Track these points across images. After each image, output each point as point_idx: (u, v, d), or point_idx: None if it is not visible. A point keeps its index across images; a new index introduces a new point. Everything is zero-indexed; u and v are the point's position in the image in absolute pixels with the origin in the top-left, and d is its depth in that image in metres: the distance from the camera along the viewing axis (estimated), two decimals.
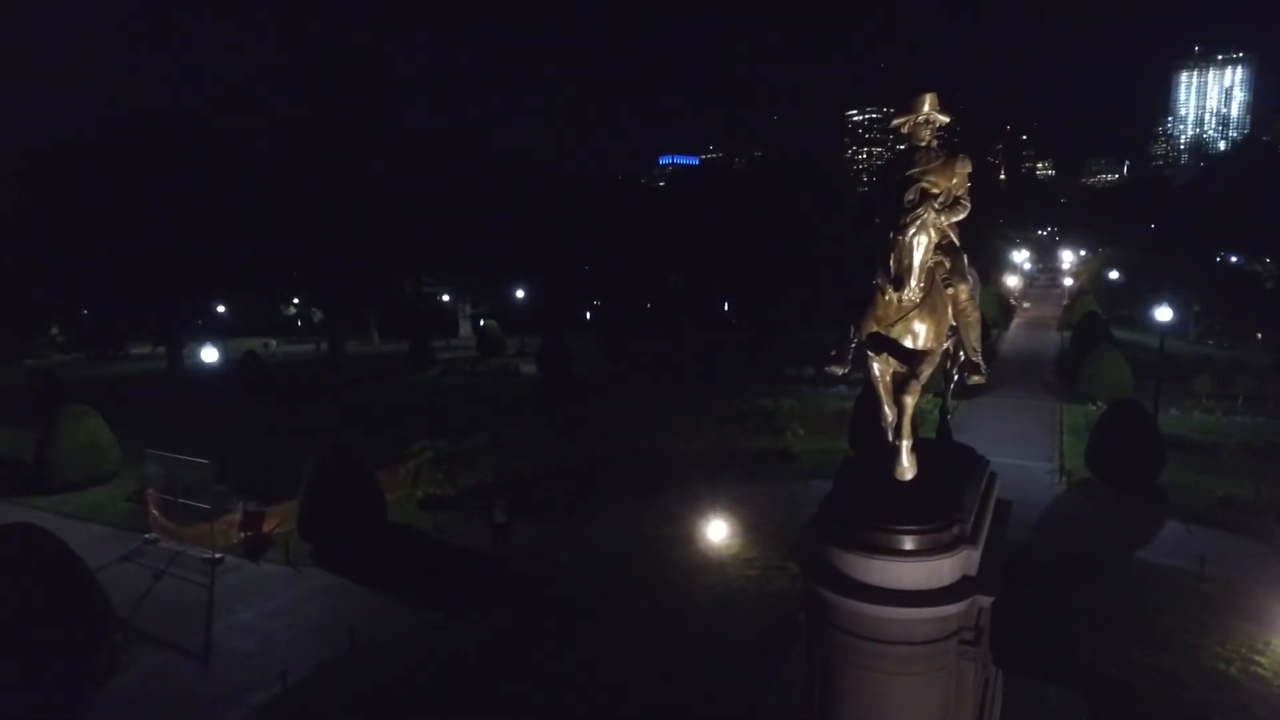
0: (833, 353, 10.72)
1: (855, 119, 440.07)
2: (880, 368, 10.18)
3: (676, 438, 31.32)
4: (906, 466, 9.64)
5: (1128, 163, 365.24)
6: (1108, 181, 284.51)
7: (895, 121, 10.88)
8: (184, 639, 17.92)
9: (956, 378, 12.94)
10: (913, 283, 9.16)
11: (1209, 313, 63.91)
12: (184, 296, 57.86)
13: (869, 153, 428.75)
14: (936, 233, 9.23)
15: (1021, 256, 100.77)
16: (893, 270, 9.21)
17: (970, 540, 9.87)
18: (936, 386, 45.22)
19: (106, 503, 26.95)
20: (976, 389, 46.10)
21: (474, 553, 22.02)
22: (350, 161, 65.90)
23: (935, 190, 10.72)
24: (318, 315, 72.36)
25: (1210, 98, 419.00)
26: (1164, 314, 31.51)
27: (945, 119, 10.88)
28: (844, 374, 10.89)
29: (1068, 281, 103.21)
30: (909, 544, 9.51)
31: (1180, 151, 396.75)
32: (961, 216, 10.80)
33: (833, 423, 32.10)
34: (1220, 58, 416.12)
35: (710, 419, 34.22)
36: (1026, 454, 30.46)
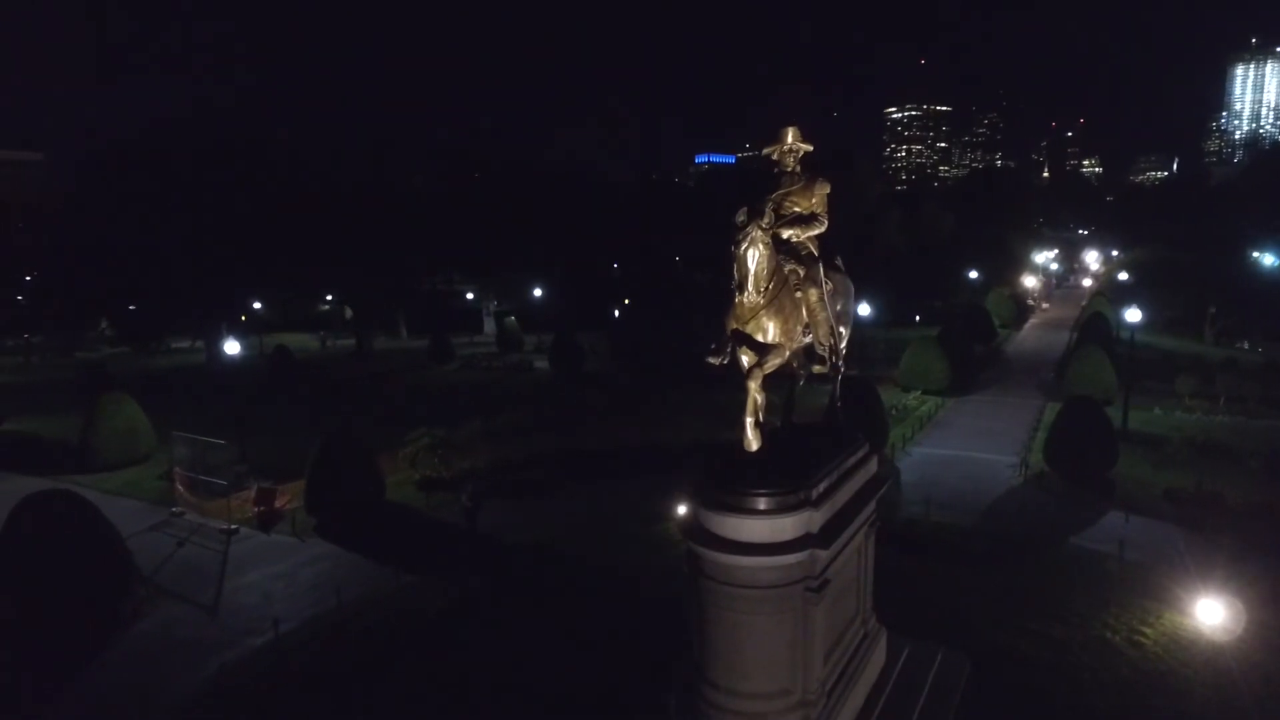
0: (712, 345, 12.60)
1: (895, 116, 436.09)
2: (747, 359, 12.09)
3: (661, 429, 33.34)
4: (751, 439, 11.57)
5: (1177, 160, 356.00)
6: (1156, 179, 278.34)
7: (765, 150, 12.83)
8: (197, 595, 20.54)
9: (838, 368, 14.54)
10: (750, 287, 11.08)
11: (1225, 314, 63.52)
12: (223, 294, 61.60)
13: (908, 150, 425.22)
14: (766, 248, 11.02)
15: (1047, 256, 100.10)
16: (735, 278, 11.16)
17: (813, 504, 11.77)
18: (935, 385, 46.58)
19: (141, 480, 29.93)
20: (969, 388, 47.44)
21: (457, 528, 24.32)
22: (382, 166, 69.23)
23: (796, 208, 12.73)
24: (349, 312, 75.74)
25: (1268, 91, 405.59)
26: (1133, 315, 32.57)
27: (808, 147, 12.82)
28: (722, 363, 12.75)
29: (1087, 282, 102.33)
30: (755, 504, 11.48)
31: (1235, 147, 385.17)
32: (818, 231, 12.72)
33: (814, 415, 33.82)
34: (1279, 49, 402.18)
35: (696, 412, 36.12)
36: (996, 449, 31.80)
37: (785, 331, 11.77)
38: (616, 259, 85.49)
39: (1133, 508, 24.68)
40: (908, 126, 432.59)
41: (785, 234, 12.44)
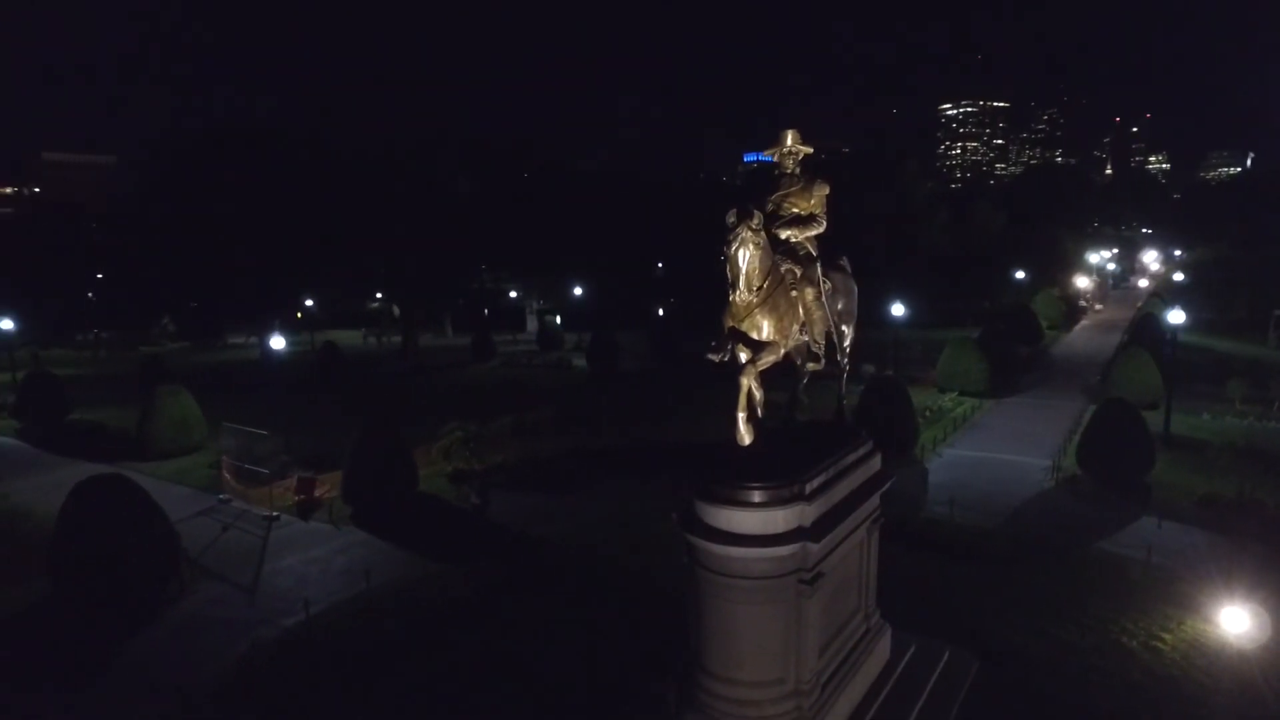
0: (713, 343, 12.91)
1: (949, 113, 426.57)
2: (745, 356, 12.40)
3: (691, 426, 33.63)
4: (743, 433, 11.89)
5: (1252, 155, 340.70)
6: (1228, 175, 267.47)
7: (765, 153, 13.12)
8: (238, 576, 21.67)
9: (843, 367, 14.75)
10: (742, 285, 11.40)
11: None
12: (281, 292, 64.00)
13: (963, 147, 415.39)
14: (757, 248, 11.31)
15: (1103, 256, 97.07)
16: (729, 277, 11.49)
17: (805, 498, 12.02)
18: (973, 387, 45.89)
19: (192, 468, 31.48)
20: (1009, 391, 46.72)
21: (483, 519, 25.12)
22: (428, 169, 70.85)
23: (795, 209, 13.01)
24: (397, 310, 77.74)
25: None
26: (1176, 316, 31.64)
27: (808, 150, 13.06)
28: (722, 360, 13.05)
29: (1144, 283, 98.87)
30: (748, 497, 11.81)
31: None
32: (816, 232, 12.97)
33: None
34: None
35: (727, 410, 36.31)
36: (1029, 452, 31.29)
37: (780, 330, 12.05)
38: (661, 259, 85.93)
39: (1167, 513, 24.12)
40: (963, 123, 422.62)
41: (783, 234, 12.73)
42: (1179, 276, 75.08)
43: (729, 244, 11.17)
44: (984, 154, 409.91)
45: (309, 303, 70.32)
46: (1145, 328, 50.37)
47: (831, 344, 13.89)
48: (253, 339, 66.89)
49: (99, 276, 77.04)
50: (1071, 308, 73.57)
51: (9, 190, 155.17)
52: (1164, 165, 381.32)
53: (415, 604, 19.22)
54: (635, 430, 34.59)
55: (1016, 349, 51.17)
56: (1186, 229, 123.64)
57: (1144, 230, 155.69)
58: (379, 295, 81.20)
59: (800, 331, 12.79)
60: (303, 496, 26.93)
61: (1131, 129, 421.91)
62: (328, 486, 27.55)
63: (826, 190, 12.99)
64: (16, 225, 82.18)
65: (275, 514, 26.04)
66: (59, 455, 33.92)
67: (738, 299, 11.60)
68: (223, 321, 66.46)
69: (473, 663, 16.64)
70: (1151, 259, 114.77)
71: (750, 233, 11.08)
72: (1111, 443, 26.39)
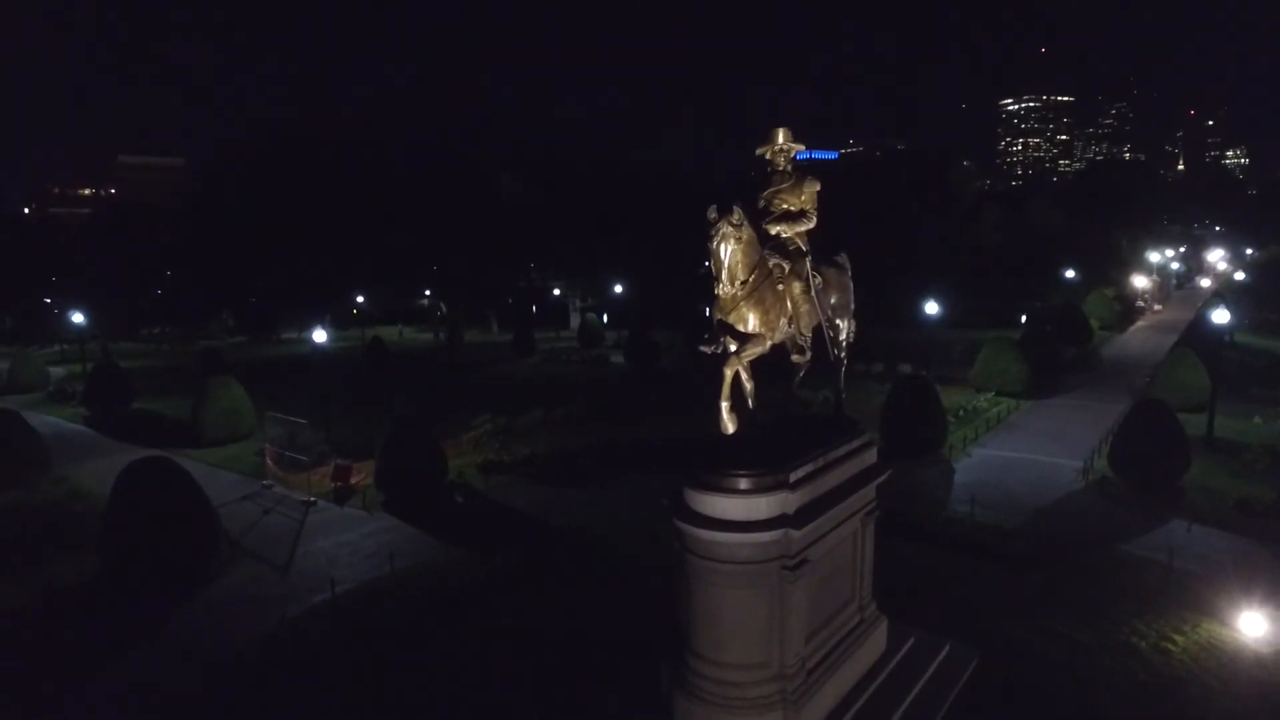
0: (705, 335, 13.31)
1: (1011, 108, 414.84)
2: (733, 348, 12.76)
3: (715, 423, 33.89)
4: (726, 422, 12.28)
5: None
6: None
7: (758, 151, 13.42)
8: (274, 557, 22.83)
9: (840, 361, 14.93)
10: (725, 279, 11.76)
11: None
12: (331, 290, 66.30)
13: (1024, 144, 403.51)
14: (739, 243, 11.63)
15: (1165, 255, 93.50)
16: (713, 271, 11.87)
17: (789, 487, 12.34)
18: (1011, 388, 45.25)
19: (240, 455, 33.06)
20: (1051, 392, 45.98)
21: (509, 508, 25.90)
22: (475, 173, 72.45)
23: (786, 205, 13.30)
24: (443, 308, 79.61)
25: None
26: (1221, 316, 30.64)
27: (800, 147, 13.33)
28: (714, 352, 13.38)
29: (1206, 283, 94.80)
30: (733, 484, 12.19)
31: None
32: (806, 228, 13.24)
33: (866, 413, 33.57)
34: None
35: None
36: (1062, 453, 30.71)
37: (766, 322, 12.37)
38: (706, 257, 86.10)
39: (1199, 517, 23.52)
40: (1025, 119, 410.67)
41: (773, 230, 13.04)
42: (1240, 276, 71.81)
43: (710, 239, 11.56)
44: (1046, 150, 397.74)
45: (360, 299, 72.58)
46: (1195, 328, 48.68)
47: (823, 339, 14.10)
48: (304, 334, 69.45)
49: (167, 273, 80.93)
50: (1128, 308, 71.23)
51: (87, 192, 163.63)
52: (1242, 160, 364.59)
53: (433, 586, 20.00)
54: (665, 425, 34.97)
55: (1061, 349, 49.91)
56: (1263, 226, 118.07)
57: (1216, 228, 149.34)
58: (427, 293, 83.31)
59: (788, 325, 13.07)
60: (339, 483, 28.12)
61: (1207, 122, 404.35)
62: (363, 474, 28.71)
63: (817, 187, 13.26)
64: (94, 226, 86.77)
65: (313, 499, 27.26)
66: (120, 441, 36.00)
67: (722, 292, 11.98)
68: (278, 317, 69.14)
69: (481, 641, 17.33)
70: (1217, 258, 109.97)
71: (731, 228, 11.44)
72: (1144, 444, 25.76)
